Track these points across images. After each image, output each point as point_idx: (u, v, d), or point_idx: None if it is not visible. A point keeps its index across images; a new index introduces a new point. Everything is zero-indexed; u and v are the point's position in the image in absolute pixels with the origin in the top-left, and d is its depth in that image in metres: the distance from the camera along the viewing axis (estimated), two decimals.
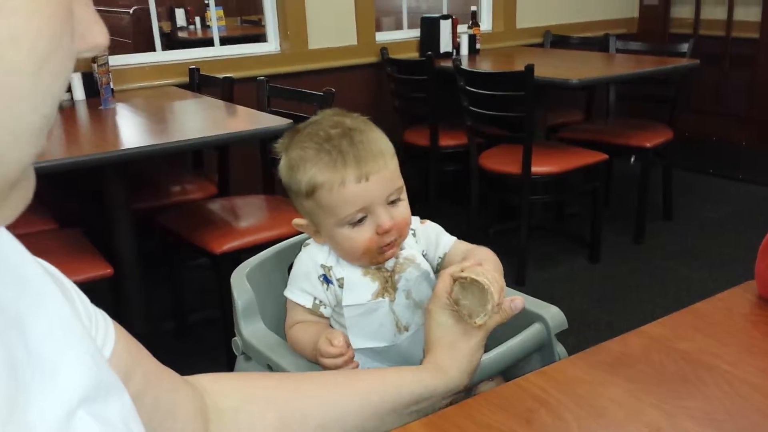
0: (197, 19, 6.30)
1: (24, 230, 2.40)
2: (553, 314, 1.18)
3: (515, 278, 3.02)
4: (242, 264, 1.22)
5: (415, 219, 1.23)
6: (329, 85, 3.69)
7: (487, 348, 1.05)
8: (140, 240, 2.45)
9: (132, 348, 0.63)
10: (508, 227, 3.31)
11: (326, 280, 1.12)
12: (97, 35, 0.38)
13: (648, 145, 3.26)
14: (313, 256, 1.13)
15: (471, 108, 3.07)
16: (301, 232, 1.19)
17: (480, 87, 3.00)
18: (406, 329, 1.15)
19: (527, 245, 3.05)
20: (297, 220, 1.13)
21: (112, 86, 2.90)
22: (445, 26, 3.80)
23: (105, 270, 2.08)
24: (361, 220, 1.05)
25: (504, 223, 3.57)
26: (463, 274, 0.94)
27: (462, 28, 3.98)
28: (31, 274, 0.50)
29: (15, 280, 0.48)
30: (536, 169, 2.94)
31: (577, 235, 3.44)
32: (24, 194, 0.38)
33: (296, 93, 2.63)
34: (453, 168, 3.56)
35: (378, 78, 3.78)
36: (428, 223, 1.25)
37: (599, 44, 4.02)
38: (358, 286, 1.12)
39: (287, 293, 1.14)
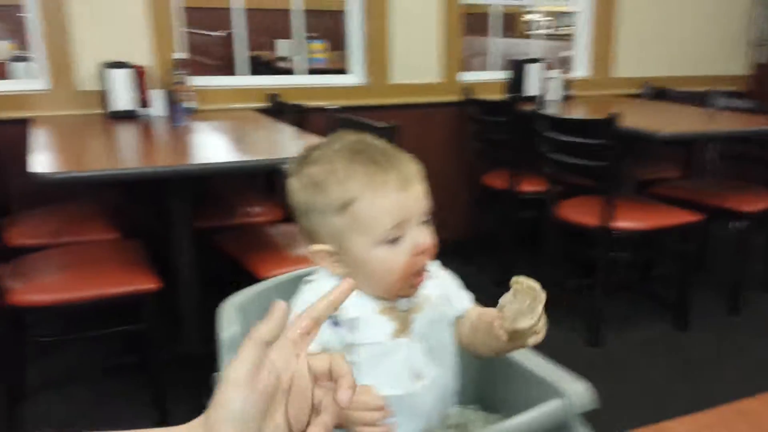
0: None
1: (87, 237, 2.42)
2: (577, 390, 1.01)
3: (587, 339, 2.79)
4: (236, 294, 1.12)
5: (435, 262, 1.10)
6: (409, 120, 3.63)
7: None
8: (202, 259, 2.42)
9: None
10: (586, 284, 3.08)
11: (334, 322, 0.99)
12: None
13: (746, 209, 2.98)
14: (320, 294, 0.99)
15: (550, 155, 2.90)
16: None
17: (561, 133, 2.83)
18: (420, 379, 1.02)
19: (604, 305, 2.82)
20: (316, 246, 1.00)
21: (189, 105, 2.93)
22: (533, 70, 3.65)
23: (151, 284, 2.03)
24: (396, 241, 0.95)
25: (582, 279, 3.34)
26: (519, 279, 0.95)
27: (553, 73, 3.83)
28: None
29: None
30: (619, 224, 2.73)
31: (663, 299, 3.17)
32: None
33: (362, 124, 2.55)
34: (531, 215, 3.37)
35: (460, 118, 3.67)
36: (449, 272, 1.12)
37: (702, 100, 3.77)
38: (375, 325, 1.00)
39: None
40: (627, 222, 2.75)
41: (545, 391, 1.03)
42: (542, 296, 0.93)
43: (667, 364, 2.63)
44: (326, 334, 0.98)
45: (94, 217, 2.56)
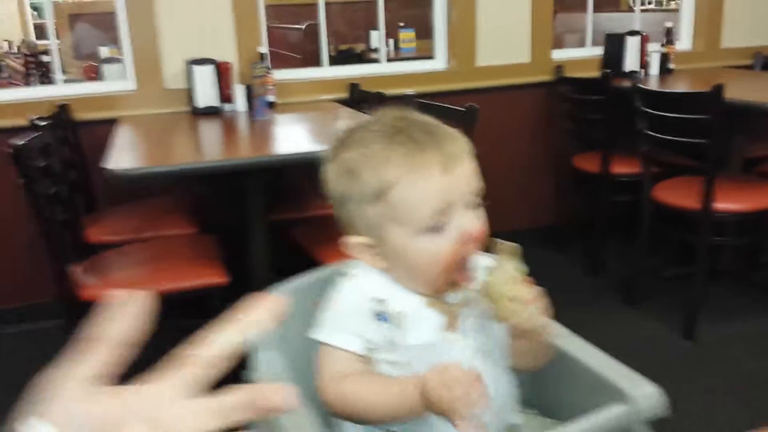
0: (390, 42, 6.42)
1: (165, 233, 2.49)
2: (645, 394, 0.89)
3: (682, 332, 2.59)
4: (274, 287, 1.08)
5: (489, 255, 1.02)
6: (496, 104, 3.51)
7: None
8: (278, 252, 2.43)
9: None
10: (685, 272, 2.86)
11: (381, 317, 0.92)
12: None
13: None
14: (363, 289, 0.93)
15: (647, 132, 2.70)
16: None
17: (659, 108, 2.63)
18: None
19: (703, 294, 2.61)
20: (351, 239, 0.93)
21: (270, 98, 2.95)
22: (632, 43, 3.43)
23: (219, 278, 2.05)
24: (439, 228, 0.87)
25: (682, 267, 3.11)
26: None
27: (655, 47, 3.58)
28: None
29: None
30: (721, 205, 2.51)
31: None
32: None
33: (440, 108, 2.46)
34: (626, 199, 3.17)
35: (551, 98, 3.50)
36: None
37: None
38: (422, 320, 0.92)
39: (326, 337, 0.92)
40: (730, 203, 2.53)
41: (608, 393, 0.92)
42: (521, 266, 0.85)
43: None
44: (371, 329, 0.91)
45: (173, 213, 2.63)
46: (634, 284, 2.86)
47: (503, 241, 0.87)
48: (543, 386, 1.11)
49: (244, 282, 2.22)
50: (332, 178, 0.93)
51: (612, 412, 0.88)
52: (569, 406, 1.00)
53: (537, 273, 3.20)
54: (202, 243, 2.34)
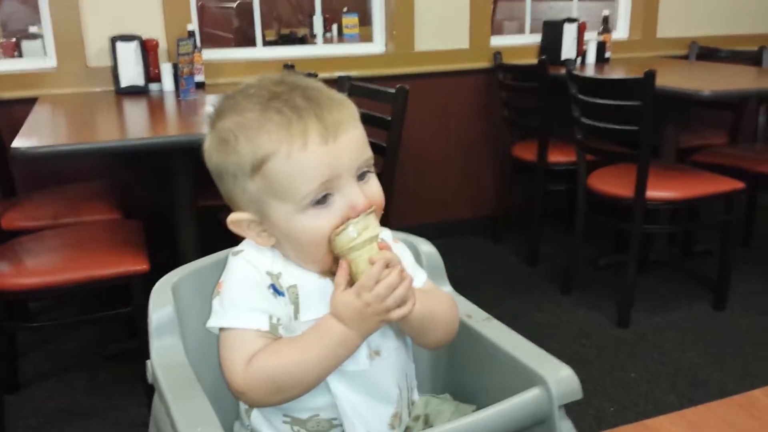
0: (334, 27, 6.32)
1: (87, 218, 2.36)
2: (561, 378, 0.86)
3: (617, 320, 2.59)
4: (171, 273, 1.00)
5: (387, 232, 0.96)
6: (435, 89, 3.47)
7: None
8: (207, 238, 2.33)
9: None
10: (620, 260, 2.88)
11: (276, 290, 0.85)
12: None
13: None
14: (255, 263, 0.86)
15: (582, 119, 2.69)
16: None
17: (593, 95, 2.62)
18: (377, 354, 0.89)
19: (637, 282, 2.62)
20: (234, 216, 0.86)
21: (199, 78, 2.84)
22: (570, 30, 3.42)
23: (140, 266, 1.94)
24: (325, 201, 0.80)
25: (616, 255, 3.13)
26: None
27: (592, 35, 3.59)
28: None
29: None
30: (653, 193, 2.51)
31: (704, 276, 2.94)
32: None
33: (372, 91, 2.40)
34: (563, 188, 3.17)
35: (490, 85, 3.48)
36: (402, 244, 0.97)
37: (754, 59, 3.47)
38: (316, 294, 0.86)
39: (226, 322, 0.84)
40: (663, 192, 2.54)
41: (525, 377, 0.88)
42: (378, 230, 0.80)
43: (700, 347, 2.42)
44: (272, 303, 0.85)
45: (96, 199, 2.50)
46: (570, 273, 2.86)
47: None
48: (461, 371, 1.07)
49: (172, 269, 2.12)
50: (208, 149, 0.85)
51: (527, 396, 0.84)
52: (487, 390, 0.96)
53: (477, 262, 3.23)
54: (125, 229, 2.22)
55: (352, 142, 0.81)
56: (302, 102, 0.80)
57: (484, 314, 1.04)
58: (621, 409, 2.06)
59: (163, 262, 2.01)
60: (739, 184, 2.57)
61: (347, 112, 0.82)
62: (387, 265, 0.79)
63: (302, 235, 0.81)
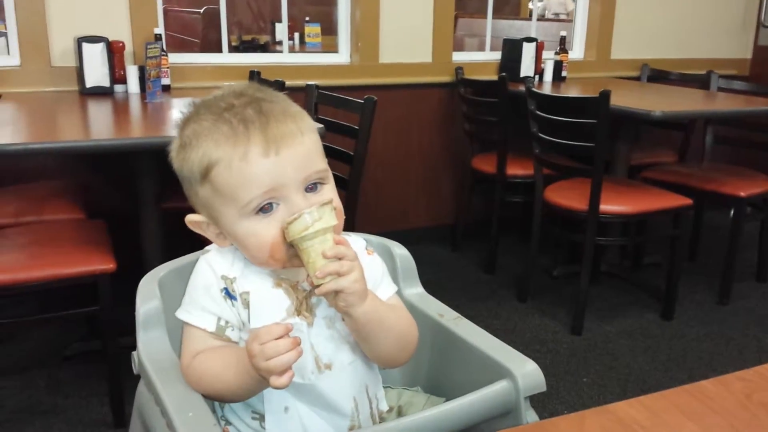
0: (296, 36, 6.37)
1: (50, 217, 2.35)
2: (526, 371, 0.93)
3: (571, 327, 2.69)
4: (158, 268, 1.03)
5: (360, 243, 1.00)
6: (399, 101, 3.54)
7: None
8: (172, 240, 2.34)
9: None
10: (574, 270, 2.99)
11: (228, 294, 0.90)
12: None
13: (742, 194, 2.86)
14: (214, 265, 0.91)
15: (539, 135, 2.79)
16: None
17: (550, 112, 2.73)
18: (328, 367, 0.92)
19: (589, 291, 2.72)
20: (191, 217, 0.91)
21: (165, 81, 2.85)
22: (528, 49, 3.54)
23: (107, 265, 1.95)
24: (270, 209, 0.83)
25: (571, 265, 3.24)
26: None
27: (549, 54, 3.72)
28: None
29: None
30: (606, 207, 2.62)
31: (653, 287, 3.07)
32: None
33: (340, 100, 2.46)
34: (520, 199, 3.28)
35: (451, 99, 3.57)
36: (376, 257, 1.02)
37: (702, 82, 3.64)
38: (267, 302, 0.90)
39: (181, 314, 0.91)
40: (614, 205, 2.65)
41: (493, 371, 0.95)
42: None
43: (648, 354, 2.53)
44: (223, 307, 0.90)
45: (59, 198, 2.49)
46: (526, 282, 2.96)
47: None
48: (432, 367, 1.13)
49: (135, 270, 2.12)
50: (172, 153, 0.90)
51: (495, 388, 0.90)
52: (458, 384, 1.02)
53: (436, 269, 3.30)
54: (89, 228, 2.22)
55: (297, 155, 0.84)
56: (253, 114, 0.83)
57: (454, 314, 1.11)
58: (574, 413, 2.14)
59: (126, 263, 2.03)
60: (686, 201, 2.70)
61: (297, 126, 0.85)
62: (339, 258, 0.81)
63: (247, 240, 0.86)
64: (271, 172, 0.82)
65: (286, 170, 0.82)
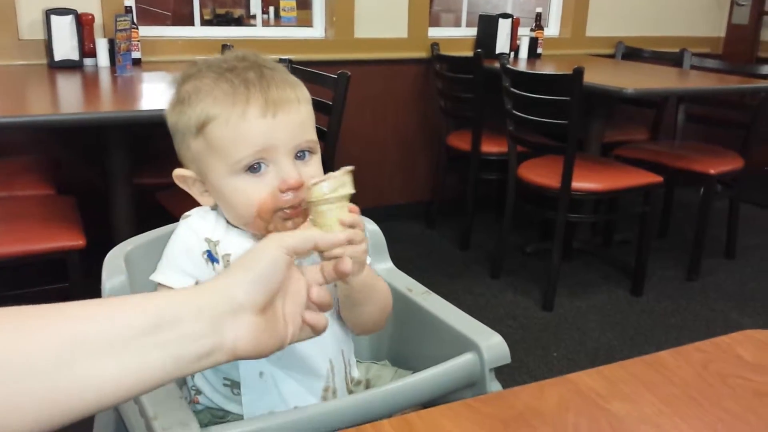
0: (271, 9, 6.29)
1: (17, 193, 2.32)
2: (491, 344, 0.94)
3: (542, 303, 2.73)
4: (125, 242, 1.03)
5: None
6: (375, 76, 3.53)
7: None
8: (143, 216, 2.32)
9: None
10: (546, 247, 3.02)
11: (211, 257, 0.91)
12: None
13: (712, 172, 2.90)
14: (196, 228, 0.92)
15: (513, 111, 2.80)
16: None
17: (524, 89, 2.73)
18: None
19: (561, 268, 2.76)
20: (179, 171, 0.92)
21: (135, 54, 2.81)
22: (504, 26, 3.54)
23: (77, 242, 1.93)
24: (259, 169, 0.85)
25: (543, 242, 3.28)
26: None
27: (524, 31, 3.72)
28: None
29: None
30: (578, 185, 2.65)
31: (623, 264, 3.11)
32: None
33: (313, 75, 2.44)
34: (494, 177, 3.29)
35: (427, 75, 3.56)
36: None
37: (675, 60, 3.67)
38: None
39: (156, 276, 0.91)
40: (586, 183, 2.67)
41: (460, 344, 0.96)
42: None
43: (617, 329, 2.58)
44: (203, 270, 0.90)
45: (27, 173, 2.45)
46: (499, 259, 2.98)
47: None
48: (400, 341, 1.14)
49: (106, 246, 2.10)
50: (168, 108, 0.91)
51: (461, 360, 0.92)
52: (425, 357, 1.03)
53: (411, 246, 3.31)
54: (58, 204, 2.19)
55: (291, 121, 0.85)
56: (254, 77, 0.85)
57: (422, 288, 1.12)
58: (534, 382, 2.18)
59: (96, 239, 2.01)
60: (657, 178, 2.73)
61: (295, 94, 0.87)
62: (352, 226, 0.81)
63: (233, 197, 0.87)
64: (265, 133, 0.83)
65: (280, 134, 0.84)
